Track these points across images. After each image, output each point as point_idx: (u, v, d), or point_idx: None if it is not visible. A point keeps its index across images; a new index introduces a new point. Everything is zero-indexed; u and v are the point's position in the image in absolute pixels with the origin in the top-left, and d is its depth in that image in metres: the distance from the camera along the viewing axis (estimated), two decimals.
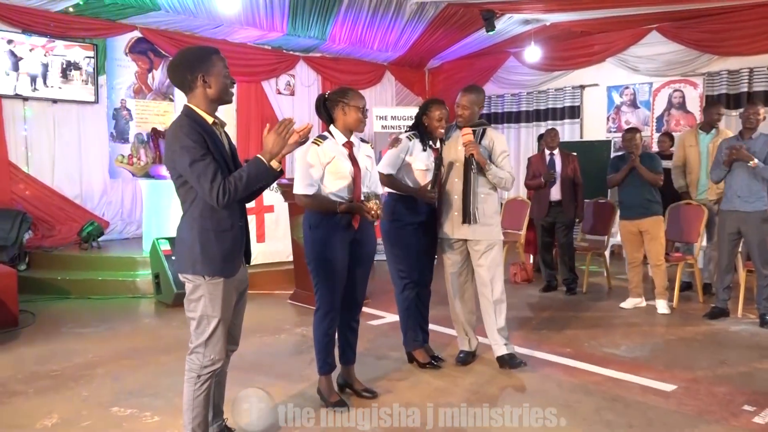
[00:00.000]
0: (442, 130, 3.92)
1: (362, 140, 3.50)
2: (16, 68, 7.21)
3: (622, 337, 4.80)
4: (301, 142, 2.62)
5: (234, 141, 9.07)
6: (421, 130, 3.95)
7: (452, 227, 3.91)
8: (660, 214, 5.57)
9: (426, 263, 4.04)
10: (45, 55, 7.38)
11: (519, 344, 4.51)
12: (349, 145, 3.35)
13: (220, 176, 2.41)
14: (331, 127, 3.38)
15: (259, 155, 2.49)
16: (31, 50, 7.30)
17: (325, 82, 10.06)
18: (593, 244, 6.86)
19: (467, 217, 3.82)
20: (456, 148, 3.92)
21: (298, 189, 3.27)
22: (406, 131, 3.99)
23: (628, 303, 5.73)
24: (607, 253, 6.81)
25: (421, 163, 3.89)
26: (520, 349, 4.39)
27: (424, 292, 4.08)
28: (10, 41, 7.16)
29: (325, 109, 3.38)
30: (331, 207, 3.26)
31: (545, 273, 6.54)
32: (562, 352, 4.38)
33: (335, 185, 3.28)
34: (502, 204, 4.03)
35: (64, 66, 7.56)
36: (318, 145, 3.28)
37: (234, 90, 2.62)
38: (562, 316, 5.49)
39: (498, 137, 3.93)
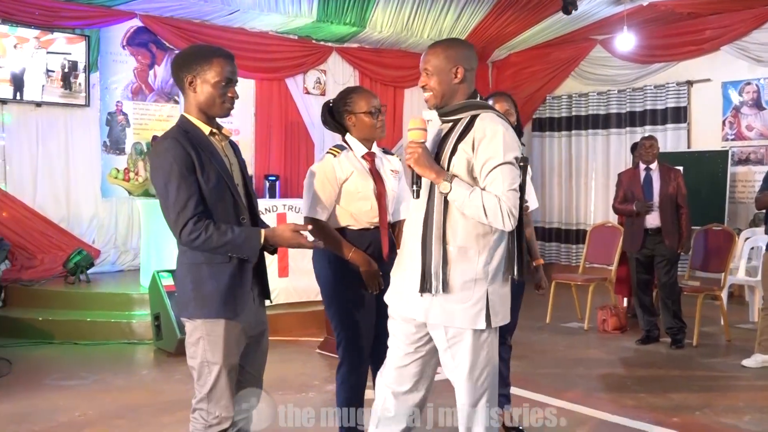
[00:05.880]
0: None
1: (386, 151, 3.55)
2: None
3: (746, 404, 4.69)
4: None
5: (251, 150, 9.39)
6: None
7: (400, 296, 2.90)
8: None
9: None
10: (36, 49, 7.71)
11: (611, 411, 4.47)
12: (370, 158, 3.42)
13: (197, 208, 2.54)
14: (348, 137, 3.45)
15: (262, 231, 2.63)
16: (15, 46, 7.64)
17: (363, 79, 10.21)
18: (706, 284, 6.73)
19: (426, 284, 2.73)
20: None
21: (309, 211, 3.32)
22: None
23: (754, 360, 5.58)
24: (724, 296, 6.68)
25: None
26: (612, 417, 4.33)
27: (502, 347, 4.06)
28: None
29: (334, 119, 3.45)
30: (338, 250, 3.27)
31: (643, 320, 6.44)
32: (668, 422, 4.30)
33: (354, 208, 3.34)
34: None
35: (49, 62, 7.88)
36: (335, 156, 3.35)
37: (230, 105, 2.71)
38: (666, 376, 5.39)
39: (490, 132, 2.71)
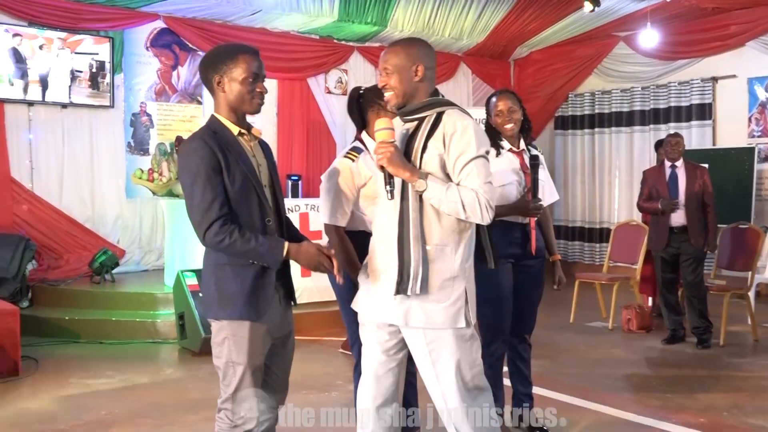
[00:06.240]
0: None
1: None
2: (22, 68, 7.63)
3: None
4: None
5: (273, 150, 9.44)
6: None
7: (371, 299, 2.81)
8: None
9: (525, 309, 3.97)
10: (60, 50, 7.80)
11: (636, 411, 4.43)
12: None
13: (221, 209, 2.54)
14: (364, 136, 3.42)
15: (287, 245, 2.61)
16: (41, 47, 7.74)
17: None
18: (732, 283, 6.64)
19: (402, 286, 2.66)
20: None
21: (330, 219, 3.31)
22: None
23: None
24: (751, 295, 6.58)
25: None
26: (638, 417, 4.29)
27: (521, 346, 4.04)
28: (16, 35, 7.61)
29: (359, 108, 3.42)
30: (348, 264, 3.24)
31: (668, 319, 6.37)
32: (694, 423, 4.25)
33: (370, 212, 3.31)
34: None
35: (77, 63, 7.95)
36: (352, 160, 3.32)
37: (259, 101, 2.71)
38: (692, 376, 5.34)
39: (460, 126, 2.68)
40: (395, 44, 2.81)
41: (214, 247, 2.59)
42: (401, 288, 2.64)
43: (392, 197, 2.68)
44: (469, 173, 2.62)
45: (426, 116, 2.73)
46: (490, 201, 2.61)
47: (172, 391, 5.02)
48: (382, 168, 2.66)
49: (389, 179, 2.68)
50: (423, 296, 2.65)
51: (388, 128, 2.67)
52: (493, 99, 3.88)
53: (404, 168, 2.62)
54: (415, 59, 2.74)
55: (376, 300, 2.77)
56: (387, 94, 2.78)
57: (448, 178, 2.67)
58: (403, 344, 2.80)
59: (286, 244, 2.61)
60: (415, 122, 2.76)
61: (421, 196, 2.65)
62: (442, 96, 2.82)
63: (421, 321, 2.68)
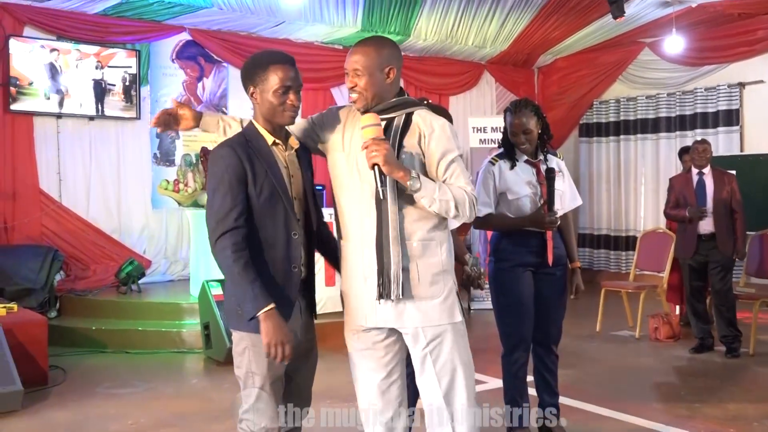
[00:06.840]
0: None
1: None
2: (55, 81, 7.75)
3: None
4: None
5: None
6: None
7: (361, 306, 2.72)
8: None
9: (549, 318, 3.94)
10: (80, 62, 7.92)
11: (664, 421, 4.38)
12: None
13: (237, 221, 2.51)
14: None
15: (270, 308, 2.47)
16: (75, 60, 7.87)
17: (408, 87, 10.20)
18: (762, 291, 6.55)
19: (384, 289, 2.61)
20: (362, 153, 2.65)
21: None
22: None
23: None
24: None
25: None
26: (666, 427, 4.23)
27: (549, 357, 4.02)
28: (53, 50, 7.75)
29: None
30: None
31: (696, 328, 6.30)
32: None
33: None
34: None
35: (110, 76, 8.06)
36: None
37: (291, 113, 2.63)
38: (720, 386, 5.27)
39: (437, 126, 2.65)
40: (365, 44, 2.70)
41: (218, 257, 2.53)
42: (384, 292, 2.60)
43: (384, 197, 2.58)
44: (453, 172, 2.62)
45: (394, 117, 2.67)
46: (477, 198, 2.66)
47: (197, 400, 5.05)
48: (374, 167, 2.54)
49: (383, 179, 2.56)
50: (416, 294, 2.62)
51: (376, 124, 2.57)
52: (509, 115, 3.86)
53: (398, 167, 2.53)
54: (387, 61, 2.66)
55: (367, 306, 2.67)
56: (353, 96, 2.68)
57: (427, 177, 2.62)
58: (400, 356, 2.77)
59: (271, 306, 2.47)
60: (383, 123, 2.67)
61: (397, 196, 2.59)
62: (407, 95, 2.77)
63: (417, 320, 2.63)
